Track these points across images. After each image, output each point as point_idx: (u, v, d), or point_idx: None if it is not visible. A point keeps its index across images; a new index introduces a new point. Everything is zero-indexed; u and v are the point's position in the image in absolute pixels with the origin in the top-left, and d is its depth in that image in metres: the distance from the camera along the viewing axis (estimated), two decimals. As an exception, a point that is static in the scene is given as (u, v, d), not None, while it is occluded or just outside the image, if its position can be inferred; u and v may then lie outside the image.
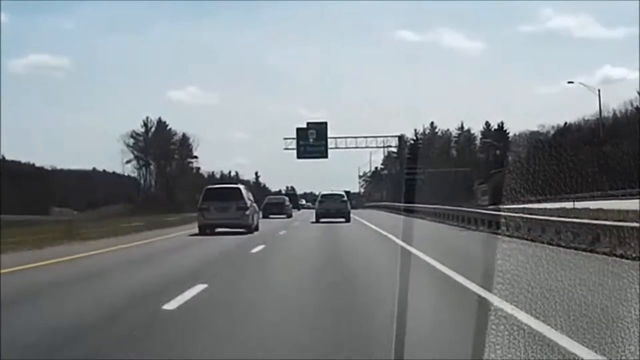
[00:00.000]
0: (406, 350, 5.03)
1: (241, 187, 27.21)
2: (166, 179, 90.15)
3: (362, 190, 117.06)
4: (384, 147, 73.73)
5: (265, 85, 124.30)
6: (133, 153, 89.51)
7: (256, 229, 25.97)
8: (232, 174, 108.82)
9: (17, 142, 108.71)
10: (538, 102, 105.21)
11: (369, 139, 69.19)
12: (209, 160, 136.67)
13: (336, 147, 67.05)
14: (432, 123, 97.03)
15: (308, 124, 66.33)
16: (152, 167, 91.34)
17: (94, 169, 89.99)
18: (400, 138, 74.03)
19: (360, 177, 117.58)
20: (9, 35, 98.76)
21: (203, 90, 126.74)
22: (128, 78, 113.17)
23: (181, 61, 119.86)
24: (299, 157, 65.51)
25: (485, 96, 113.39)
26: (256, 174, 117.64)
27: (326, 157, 65.66)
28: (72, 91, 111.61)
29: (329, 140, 65.98)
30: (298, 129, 65.81)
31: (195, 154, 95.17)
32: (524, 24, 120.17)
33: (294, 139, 65.81)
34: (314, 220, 36.66)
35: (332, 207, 36.59)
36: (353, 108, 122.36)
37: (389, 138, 70.61)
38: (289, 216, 47.46)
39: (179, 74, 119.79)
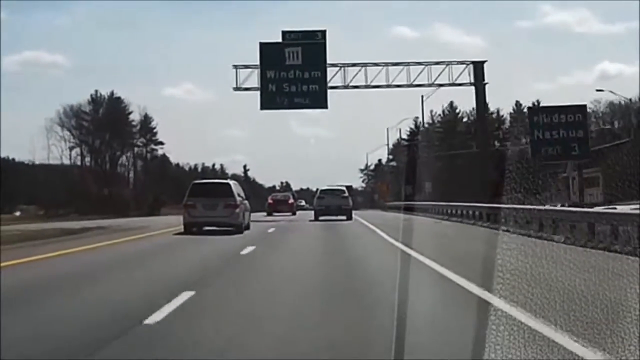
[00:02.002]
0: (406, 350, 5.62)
1: (231, 182, 28.43)
2: (104, 170, 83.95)
3: (364, 186, 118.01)
4: (435, 87, 43.33)
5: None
6: (74, 135, 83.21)
7: (247, 228, 27.13)
8: (217, 167, 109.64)
9: (13, 139, 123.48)
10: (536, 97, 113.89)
11: (412, 68, 40.54)
12: (204, 156, 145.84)
13: (345, 87, 40.35)
14: (451, 103, 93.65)
15: (285, 34, 39.81)
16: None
17: (74, 163, 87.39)
18: (478, 67, 41.39)
19: (361, 170, 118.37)
20: (4, 31, 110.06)
21: (198, 87, 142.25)
22: (123, 74, 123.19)
23: (177, 58, 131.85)
24: (264, 106, 39.54)
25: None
26: (244, 167, 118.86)
27: (324, 106, 39.62)
28: (68, 88, 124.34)
29: (329, 71, 39.75)
30: (263, 46, 39.61)
31: (160, 139, 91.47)
32: (522, 20, 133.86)
33: (254, 68, 39.86)
34: (312, 218, 37.56)
35: (333, 204, 37.83)
36: (351, 101, 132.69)
37: (455, 67, 41.32)
38: (294, 214, 51.90)
39: (174, 71, 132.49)
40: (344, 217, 36.97)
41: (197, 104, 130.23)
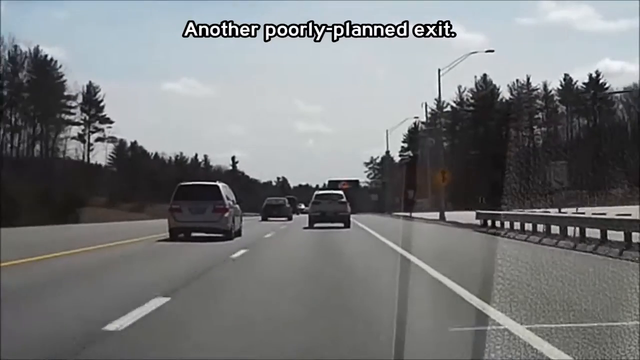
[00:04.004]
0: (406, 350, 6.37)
1: (220, 185, 30.07)
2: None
3: (369, 181, 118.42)
4: None
5: (261, 78, 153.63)
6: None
7: (237, 234, 29.43)
8: (200, 158, 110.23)
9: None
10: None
11: None
12: (206, 153, 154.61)
13: None
14: (484, 75, 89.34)
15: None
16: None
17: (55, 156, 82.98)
18: None
19: (366, 164, 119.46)
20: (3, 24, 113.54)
21: (199, 82, 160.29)
22: (123, 69, 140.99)
23: (177, 53, 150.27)
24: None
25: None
26: (233, 159, 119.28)
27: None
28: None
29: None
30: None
31: (107, 115, 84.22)
32: (524, 17, 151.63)
33: None
34: (307, 225, 39.38)
35: (329, 210, 39.89)
36: (351, 100, 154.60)
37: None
38: (290, 219, 57.95)
39: (174, 66, 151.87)
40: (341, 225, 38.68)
41: (195, 99, 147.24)
